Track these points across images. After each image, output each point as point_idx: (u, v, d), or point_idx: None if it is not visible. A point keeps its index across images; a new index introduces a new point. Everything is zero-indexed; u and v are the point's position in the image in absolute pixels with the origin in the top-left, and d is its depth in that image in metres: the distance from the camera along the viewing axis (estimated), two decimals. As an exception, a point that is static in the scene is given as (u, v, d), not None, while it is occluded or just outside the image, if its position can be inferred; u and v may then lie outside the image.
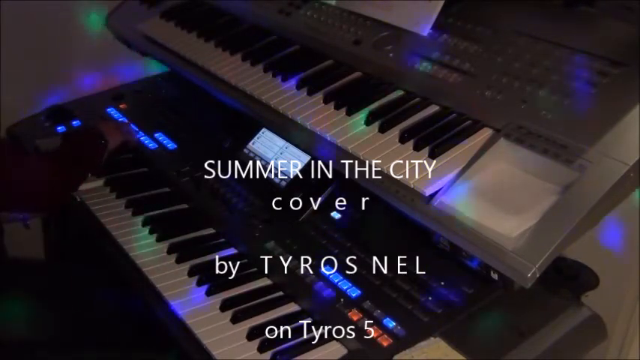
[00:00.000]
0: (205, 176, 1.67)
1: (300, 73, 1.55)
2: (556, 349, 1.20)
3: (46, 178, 1.54)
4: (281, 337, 1.21)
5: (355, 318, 1.22)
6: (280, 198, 1.54)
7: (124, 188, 1.68)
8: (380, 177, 1.26)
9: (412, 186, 1.20)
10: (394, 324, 1.20)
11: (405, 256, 1.34)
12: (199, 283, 1.36)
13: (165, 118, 1.97)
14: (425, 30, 1.47)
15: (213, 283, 1.34)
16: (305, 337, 1.22)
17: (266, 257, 1.40)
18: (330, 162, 1.38)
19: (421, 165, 1.22)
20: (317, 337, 1.22)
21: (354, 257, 1.36)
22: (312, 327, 1.24)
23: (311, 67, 1.57)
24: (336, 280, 1.31)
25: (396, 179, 1.23)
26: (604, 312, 1.30)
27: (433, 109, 1.36)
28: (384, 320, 1.21)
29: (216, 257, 1.44)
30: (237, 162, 1.68)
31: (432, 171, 1.21)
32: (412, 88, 1.41)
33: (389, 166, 1.24)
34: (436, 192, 1.18)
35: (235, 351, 1.20)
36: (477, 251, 1.10)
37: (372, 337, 1.18)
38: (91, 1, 2.10)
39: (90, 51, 2.12)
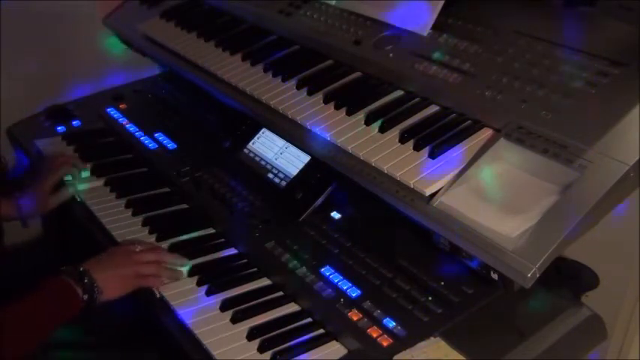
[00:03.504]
0: (205, 176, 1.67)
1: (300, 73, 1.56)
2: (556, 349, 1.20)
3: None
4: (281, 337, 1.21)
5: (355, 318, 1.22)
6: (280, 198, 1.55)
7: (124, 188, 1.68)
8: (380, 177, 1.26)
9: (412, 186, 1.20)
10: (394, 324, 1.20)
11: (405, 256, 1.34)
12: (199, 284, 1.36)
13: (166, 118, 1.97)
14: (425, 30, 1.47)
15: (213, 283, 1.34)
16: (305, 337, 1.22)
17: (266, 257, 1.40)
18: (330, 162, 1.38)
19: (421, 165, 1.23)
20: (317, 337, 1.22)
21: (354, 257, 1.36)
22: (312, 327, 1.24)
23: (311, 67, 1.57)
24: (336, 280, 1.31)
25: (395, 179, 1.23)
26: (604, 312, 1.30)
27: (433, 109, 1.36)
28: (384, 320, 1.21)
29: (216, 257, 1.44)
30: (237, 162, 1.68)
31: (432, 171, 1.21)
32: (412, 88, 1.41)
33: (389, 166, 1.24)
34: (436, 192, 1.18)
35: (235, 351, 1.20)
36: (477, 251, 1.10)
37: (372, 337, 1.18)
38: (90, 1, 2.10)
39: (90, 51, 2.12)
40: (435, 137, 1.26)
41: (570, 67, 1.24)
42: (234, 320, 1.26)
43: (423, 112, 1.36)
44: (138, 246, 1.40)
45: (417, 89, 1.40)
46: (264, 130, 1.68)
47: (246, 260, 1.43)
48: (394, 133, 1.32)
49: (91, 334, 1.46)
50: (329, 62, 1.59)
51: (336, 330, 1.22)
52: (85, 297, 1.26)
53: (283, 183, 1.57)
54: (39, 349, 1.28)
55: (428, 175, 1.20)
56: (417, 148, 1.26)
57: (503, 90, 1.27)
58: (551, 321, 1.24)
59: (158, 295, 1.33)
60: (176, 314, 1.29)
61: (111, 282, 1.30)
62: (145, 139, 1.87)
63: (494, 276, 1.15)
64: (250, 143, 1.69)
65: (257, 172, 1.63)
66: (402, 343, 1.16)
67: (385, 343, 1.17)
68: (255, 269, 1.40)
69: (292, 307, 1.30)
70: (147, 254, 1.37)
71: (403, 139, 1.29)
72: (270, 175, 1.60)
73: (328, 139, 1.37)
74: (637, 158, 1.07)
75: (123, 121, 1.98)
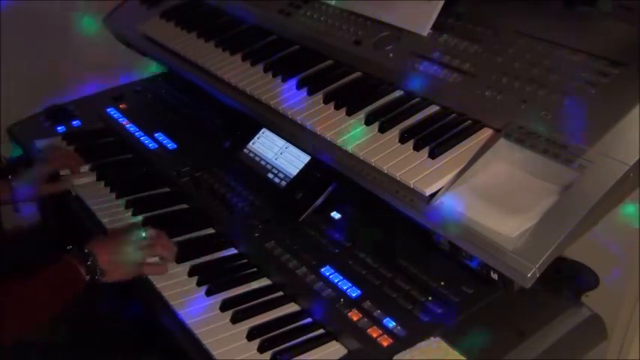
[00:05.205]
0: (205, 176, 1.67)
1: (300, 73, 1.56)
2: (556, 349, 1.20)
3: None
4: (281, 337, 1.21)
5: (355, 318, 1.22)
6: (280, 198, 1.55)
7: (124, 188, 1.68)
8: (380, 177, 1.26)
9: (412, 186, 1.20)
10: (394, 324, 1.20)
11: (405, 256, 1.34)
12: (199, 284, 1.36)
13: (165, 118, 1.97)
14: (425, 30, 1.47)
15: (213, 284, 1.34)
16: (305, 337, 1.22)
17: (266, 257, 1.40)
18: (330, 162, 1.38)
19: (421, 165, 1.23)
20: (317, 337, 1.22)
21: (354, 257, 1.36)
22: (312, 327, 1.24)
23: (311, 67, 1.58)
24: (336, 280, 1.31)
25: (395, 179, 1.23)
26: (604, 312, 1.30)
27: (433, 109, 1.36)
28: (384, 320, 1.21)
29: (216, 257, 1.44)
30: (237, 162, 1.68)
31: (432, 171, 1.21)
32: (412, 88, 1.41)
33: (389, 166, 1.24)
34: (436, 192, 1.18)
35: (235, 351, 1.20)
36: (477, 251, 1.10)
37: (372, 337, 1.18)
38: (90, 1, 2.10)
39: (90, 51, 2.12)
40: (435, 137, 1.26)
41: (570, 67, 1.24)
42: (234, 320, 1.26)
43: (423, 112, 1.36)
44: (143, 233, 1.42)
45: (417, 89, 1.40)
46: (264, 130, 1.68)
47: (246, 260, 1.43)
48: (394, 133, 1.32)
49: (91, 335, 1.46)
50: (329, 62, 1.59)
51: (336, 330, 1.22)
52: (88, 277, 1.30)
53: (283, 183, 1.57)
54: (39, 350, 1.28)
55: (428, 175, 1.20)
56: (417, 148, 1.26)
57: (503, 90, 1.27)
58: (551, 321, 1.24)
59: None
60: (176, 314, 1.29)
61: (113, 267, 1.33)
62: (145, 139, 1.87)
63: (494, 276, 1.15)
64: (250, 143, 1.69)
65: (257, 172, 1.63)
66: (402, 343, 1.16)
67: (385, 343, 1.17)
68: (255, 269, 1.40)
69: (292, 307, 1.30)
70: (153, 243, 1.40)
71: (403, 139, 1.29)
72: (270, 175, 1.60)
73: (328, 139, 1.37)
74: (637, 158, 1.07)
75: (123, 121, 1.98)
